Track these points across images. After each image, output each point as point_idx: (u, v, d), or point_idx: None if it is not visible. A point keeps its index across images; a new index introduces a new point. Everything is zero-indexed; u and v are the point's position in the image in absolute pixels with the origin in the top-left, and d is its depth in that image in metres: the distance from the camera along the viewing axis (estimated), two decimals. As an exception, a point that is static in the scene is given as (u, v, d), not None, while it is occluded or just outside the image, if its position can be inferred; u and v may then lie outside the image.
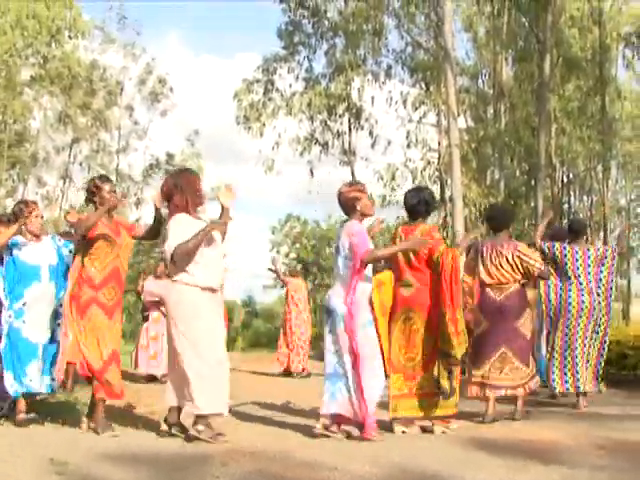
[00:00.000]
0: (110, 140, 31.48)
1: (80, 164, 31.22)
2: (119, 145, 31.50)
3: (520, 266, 7.80)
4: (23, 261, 7.00)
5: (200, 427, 6.03)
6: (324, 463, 5.08)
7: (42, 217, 7.32)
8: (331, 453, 5.54)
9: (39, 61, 28.91)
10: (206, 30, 76.29)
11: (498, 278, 7.80)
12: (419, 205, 7.03)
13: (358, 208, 6.56)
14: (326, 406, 6.43)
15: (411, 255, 6.82)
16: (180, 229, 6.13)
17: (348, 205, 6.61)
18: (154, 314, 12.51)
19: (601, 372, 9.00)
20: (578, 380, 8.64)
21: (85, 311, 6.45)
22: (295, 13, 25.90)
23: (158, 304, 12.07)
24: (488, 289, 7.84)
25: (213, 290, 6.25)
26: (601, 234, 27.06)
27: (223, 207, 6.47)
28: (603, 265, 8.80)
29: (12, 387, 6.78)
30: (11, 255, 6.97)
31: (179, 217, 6.23)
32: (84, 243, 6.52)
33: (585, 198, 32.60)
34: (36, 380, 6.90)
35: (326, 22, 25.79)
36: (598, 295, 8.77)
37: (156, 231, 6.88)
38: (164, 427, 6.36)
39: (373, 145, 26.50)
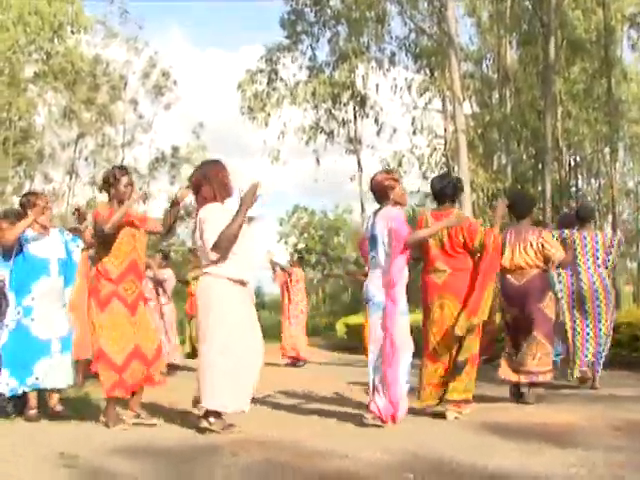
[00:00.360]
0: (115, 134, 31.59)
1: (86, 159, 31.39)
2: (124, 139, 31.59)
3: (542, 253, 7.87)
4: (33, 254, 6.86)
5: (211, 419, 5.98)
6: (335, 451, 5.03)
7: (51, 209, 7.22)
8: (343, 442, 5.48)
9: (42, 57, 28.94)
10: (209, 25, 76.14)
11: (520, 264, 7.87)
12: (446, 189, 7.04)
13: (392, 196, 6.50)
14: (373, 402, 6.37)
15: (445, 240, 6.84)
16: (216, 218, 6.04)
17: (382, 193, 6.56)
18: (151, 303, 11.80)
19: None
20: (600, 358, 8.77)
21: (105, 305, 6.30)
22: (297, 2, 25.82)
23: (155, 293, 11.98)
24: (509, 275, 7.88)
25: (244, 283, 6.17)
26: (609, 217, 26.95)
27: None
28: (610, 253, 8.88)
29: (7, 385, 6.65)
30: (21, 248, 6.83)
31: (211, 207, 6.12)
32: (102, 237, 6.35)
33: (593, 181, 32.59)
34: (48, 377, 6.78)
35: (328, 10, 25.72)
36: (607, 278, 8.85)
37: (171, 227, 6.76)
38: (197, 412, 6.23)
39: (379, 132, 26.54)
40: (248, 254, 6.26)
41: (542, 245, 7.85)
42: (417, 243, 6.60)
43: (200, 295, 6.15)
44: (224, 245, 5.95)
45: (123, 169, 6.72)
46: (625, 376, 9.93)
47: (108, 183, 6.50)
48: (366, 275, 6.78)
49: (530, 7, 25.51)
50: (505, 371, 7.76)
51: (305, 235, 39.74)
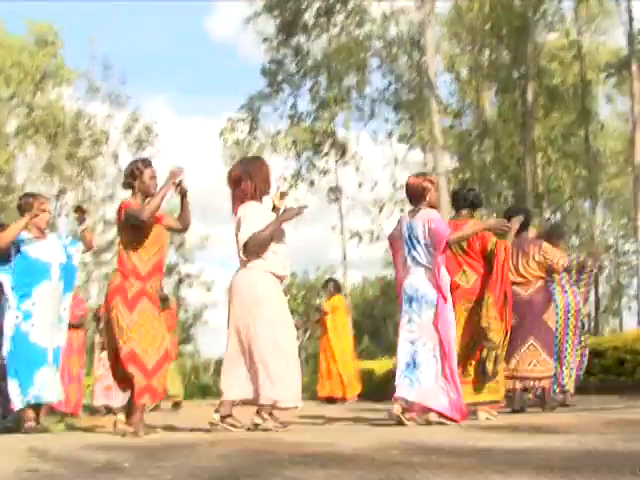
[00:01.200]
0: (96, 189, 31.49)
1: (66, 215, 31.15)
2: (105, 193, 31.49)
3: (544, 264, 8.10)
4: (34, 258, 6.65)
5: (265, 415, 5.89)
6: (321, 442, 4.83)
7: (49, 212, 7.03)
8: (332, 435, 5.41)
9: (24, 111, 29.02)
10: (192, 93, 76.78)
11: (525, 276, 8.07)
12: (466, 198, 7.30)
13: (427, 198, 6.62)
14: (405, 390, 6.32)
15: (465, 246, 7.03)
16: (254, 217, 6.05)
17: (417, 194, 6.67)
18: None
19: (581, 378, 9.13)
20: (564, 379, 8.74)
21: (135, 304, 5.94)
22: (278, 51, 26.13)
23: None
24: (514, 286, 7.87)
25: (281, 280, 6.21)
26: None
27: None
28: (582, 274, 9.04)
29: (17, 397, 6.41)
30: (18, 251, 6.63)
31: (252, 205, 6.12)
32: (132, 231, 6.03)
33: (573, 237, 32.65)
34: (48, 388, 6.57)
35: (309, 61, 26.03)
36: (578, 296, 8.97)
37: (187, 222, 6.49)
38: (215, 418, 6.03)
39: (360, 185, 26.59)
40: (286, 252, 6.31)
41: (543, 257, 8.07)
42: (459, 242, 6.83)
43: (245, 289, 6.05)
44: (253, 249, 5.99)
45: (146, 161, 6.38)
46: (614, 401, 9.72)
47: (132, 176, 6.18)
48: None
49: (508, 58, 25.99)
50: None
51: (287, 297, 39.56)
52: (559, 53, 27.94)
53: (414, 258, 6.55)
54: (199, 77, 70.49)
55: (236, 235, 6.08)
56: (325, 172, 26.73)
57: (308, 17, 25.83)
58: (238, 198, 6.19)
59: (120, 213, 6.05)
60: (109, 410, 11.30)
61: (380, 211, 24.68)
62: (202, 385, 26.95)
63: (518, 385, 7.75)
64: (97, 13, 54.72)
